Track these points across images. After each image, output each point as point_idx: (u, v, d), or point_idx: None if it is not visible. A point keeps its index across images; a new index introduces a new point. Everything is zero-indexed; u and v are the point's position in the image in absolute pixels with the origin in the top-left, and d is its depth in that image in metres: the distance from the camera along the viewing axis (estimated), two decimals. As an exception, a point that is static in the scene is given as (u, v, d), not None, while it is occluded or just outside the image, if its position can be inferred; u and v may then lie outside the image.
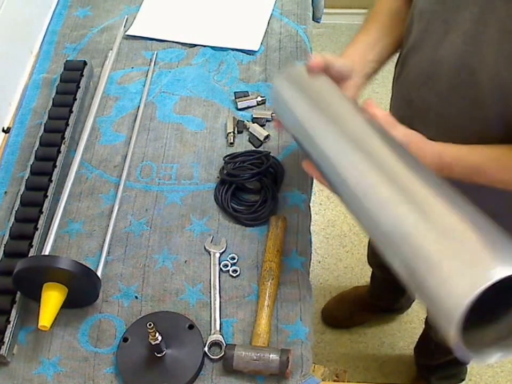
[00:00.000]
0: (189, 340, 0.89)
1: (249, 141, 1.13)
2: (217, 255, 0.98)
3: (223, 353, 0.87)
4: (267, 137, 1.12)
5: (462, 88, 0.81)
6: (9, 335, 0.88)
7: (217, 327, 0.91)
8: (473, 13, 0.76)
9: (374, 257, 1.61)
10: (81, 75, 1.19)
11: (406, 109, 0.92)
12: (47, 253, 0.95)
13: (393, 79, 1.01)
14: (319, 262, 1.99)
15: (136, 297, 0.95)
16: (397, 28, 0.95)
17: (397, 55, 0.99)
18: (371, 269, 1.72)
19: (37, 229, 0.99)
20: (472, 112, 0.82)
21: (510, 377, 1.76)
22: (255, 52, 1.28)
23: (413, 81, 0.89)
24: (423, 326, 1.60)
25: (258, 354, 0.84)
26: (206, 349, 0.88)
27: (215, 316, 0.92)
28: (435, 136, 0.86)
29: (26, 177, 1.05)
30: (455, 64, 0.80)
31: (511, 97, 0.76)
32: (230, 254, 0.99)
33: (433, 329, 1.48)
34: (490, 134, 0.82)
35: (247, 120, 1.15)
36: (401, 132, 0.74)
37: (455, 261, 0.51)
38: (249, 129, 1.14)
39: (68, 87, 1.17)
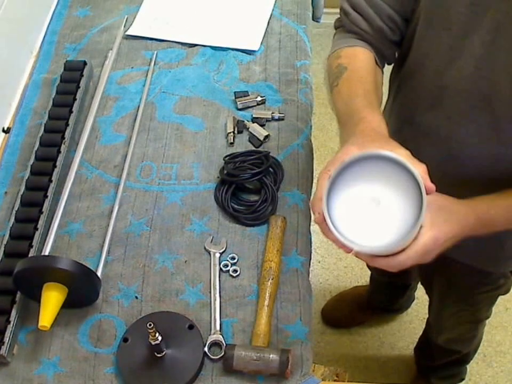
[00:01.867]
0: (189, 340, 0.89)
1: (249, 141, 1.13)
2: (217, 255, 0.98)
3: (223, 353, 0.87)
4: (267, 137, 1.12)
5: (473, 112, 0.80)
6: (9, 335, 0.88)
7: (217, 327, 0.91)
8: (483, 39, 0.75)
9: None
10: (81, 75, 1.19)
11: (410, 130, 0.92)
12: (47, 253, 0.96)
13: (389, 97, 1.01)
14: (319, 262, 1.99)
15: (136, 297, 0.95)
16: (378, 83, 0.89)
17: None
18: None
19: (37, 229, 0.99)
20: (483, 134, 0.81)
21: (510, 377, 1.76)
22: (255, 51, 1.28)
23: (417, 105, 0.89)
24: (423, 326, 1.60)
25: (258, 354, 0.84)
26: (206, 349, 0.88)
27: (215, 316, 0.92)
28: (443, 156, 0.86)
29: (26, 178, 1.05)
30: (465, 89, 0.80)
31: None
32: (230, 254, 0.99)
33: (434, 330, 1.48)
34: (500, 155, 0.82)
35: (247, 120, 1.15)
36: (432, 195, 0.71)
37: None
38: (249, 129, 1.14)
39: (68, 87, 1.17)
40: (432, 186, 0.66)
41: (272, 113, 1.16)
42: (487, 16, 0.74)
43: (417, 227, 0.65)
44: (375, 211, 0.67)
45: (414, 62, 0.87)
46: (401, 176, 0.66)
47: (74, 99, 1.16)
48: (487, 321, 1.42)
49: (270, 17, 1.34)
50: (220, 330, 0.90)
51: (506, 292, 1.22)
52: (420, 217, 0.64)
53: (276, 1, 1.37)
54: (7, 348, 0.87)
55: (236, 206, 1.04)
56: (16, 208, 1.01)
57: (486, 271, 1.11)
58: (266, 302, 0.91)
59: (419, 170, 0.66)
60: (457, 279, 1.19)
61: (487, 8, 0.74)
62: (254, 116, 1.15)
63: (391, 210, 0.67)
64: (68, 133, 1.11)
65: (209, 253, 0.99)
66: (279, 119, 1.16)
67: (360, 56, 0.88)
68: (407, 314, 1.87)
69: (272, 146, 1.12)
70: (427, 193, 0.65)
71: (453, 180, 0.86)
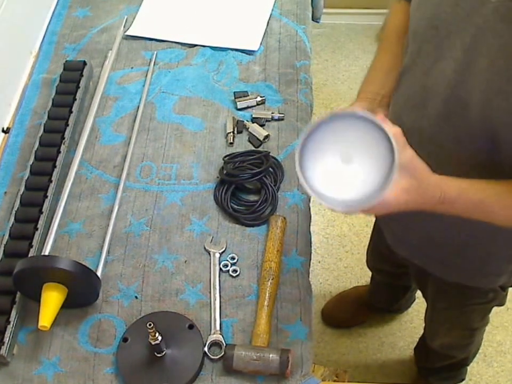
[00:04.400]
0: (189, 340, 0.89)
1: (249, 141, 1.13)
2: (217, 255, 0.98)
3: (223, 353, 0.87)
4: (267, 137, 1.12)
5: (452, 116, 0.81)
6: (9, 335, 0.88)
7: (217, 327, 0.91)
8: (464, 42, 0.76)
9: (374, 261, 1.61)
10: (81, 75, 1.19)
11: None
12: (47, 253, 0.96)
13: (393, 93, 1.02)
14: (319, 262, 1.99)
15: (136, 297, 0.95)
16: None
17: None
18: (371, 270, 1.72)
19: (37, 229, 0.99)
20: (461, 140, 0.81)
21: (510, 377, 1.76)
22: (254, 51, 1.28)
23: (405, 104, 0.90)
24: (423, 327, 1.60)
25: (258, 354, 0.84)
26: (206, 349, 0.88)
27: (215, 316, 0.92)
28: (424, 158, 0.86)
29: (26, 178, 1.05)
30: (445, 92, 0.80)
31: (499, 128, 0.76)
32: (229, 254, 0.99)
33: (429, 335, 1.48)
34: (479, 161, 0.82)
35: (247, 120, 1.16)
36: (409, 155, 0.72)
37: None
38: (249, 129, 1.14)
39: (68, 87, 1.17)
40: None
41: (272, 113, 1.16)
42: (469, 20, 0.74)
43: (386, 187, 0.67)
44: (347, 168, 0.69)
45: (409, 59, 0.88)
46: (374, 135, 0.68)
47: (74, 99, 1.16)
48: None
49: (270, 17, 1.34)
50: (220, 330, 0.90)
51: (500, 304, 1.22)
52: (390, 177, 0.66)
53: (275, 1, 1.37)
54: (7, 348, 0.87)
55: (235, 206, 1.04)
56: (16, 208, 1.02)
57: (473, 286, 1.11)
58: (266, 302, 0.91)
59: (393, 131, 0.69)
60: (447, 290, 1.20)
61: (470, 12, 0.74)
62: (253, 116, 1.16)
63: (362, 168, 0.69)
64: (67, 133, 1.11)
65: (209, 253, 0.99)
66: (279, 119, 1.16)
67: (396, 17, 1.00)
68: (407, 314, 1.87)
69: (272, 146, 1.12)
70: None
71: None
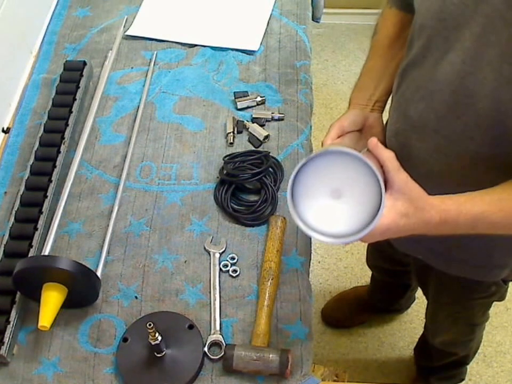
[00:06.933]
0: (188, 340, 0.89)
1: (249, 141, 1.13)
2: (217, 255, 0.98)
3: (223, 353, 0.87)
4: (267, 137, 1.12)
5: (459, 108, 0.81)
6: (9, 335, 0.88)
7: (217, 327, 0.91)
8: (473, 33, 0.75)
9: (373, 259, 1.61)
10: (81, 75, 1.19)
11: (403, 122, 0.93)
12: (47, 253, 0.96)
13: (394, 90, 1.02)
14: (319, 262, 1.99)
15: (136, 297, 0.95)
16: (398, 54, 0.99)
17: None
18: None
19: (36, 229, 0.99)
20: (468, 132, 0.81)
21: (510, 377, 1.76)
22: (254, 52, 1.28)
23: (411, 96, 0.89)
24: (423, 326, 1.60)
25: (258, 354, 0.84)
26: (206, 349, 0.88)
27: (215, 316, 0.92)
28: (430, 151, 0.86)
29: (26, 178, 1.05)
30: (453, 84, 0.80)
31: (507, 119, 0.76)
32: (229, 254, 0.99)
33: (430, 332, 1.48)
34: (485, 154, 0.82)
35: (247, 120, 1.16)
36: (403, 179, 0.72)
37: None
38: (249, 129, 1.14)
39: (68, 87, 1.17)
40: (393, 176, 0.70)
41: (272, 113, 1.16)
42: (478, 10, 0.74)
43: (375, 221, 0.68)
44: (337, 202, 0.71)
45: (416, 53, 0.88)
46: (362, 170, 0.69)
47: (74, 99, 1.16)
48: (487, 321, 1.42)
49: (270, 18, 1.34)
50: (220, 330, 0.90)
51: (501, 298, 1.22)
52: (376, 217, 0.67)
53: (275, 1, 1.37)
54: (7, 348, 0.87)
55: (235, 206, 1.04)
56: (16, 208, 1.02)
57: (476, 280, 1.11)
58: (266, 302, 0.91)
59: (386, 155, 0.70)
60: (449, 285, 1.20)
61: (477, 1, 0.74)
62: (253, 116, 1.16)
63: (352, 202, 0.70)
64: (67, 133, 1.11)
65: (209, 253, 0.99)
66: (279, 119, 1.16)
67: (388, 22, 1.04)
68: (407, 314, 1.87)
69: (272, 146, 1.12)
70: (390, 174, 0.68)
71: (438, 176, 0.86)
